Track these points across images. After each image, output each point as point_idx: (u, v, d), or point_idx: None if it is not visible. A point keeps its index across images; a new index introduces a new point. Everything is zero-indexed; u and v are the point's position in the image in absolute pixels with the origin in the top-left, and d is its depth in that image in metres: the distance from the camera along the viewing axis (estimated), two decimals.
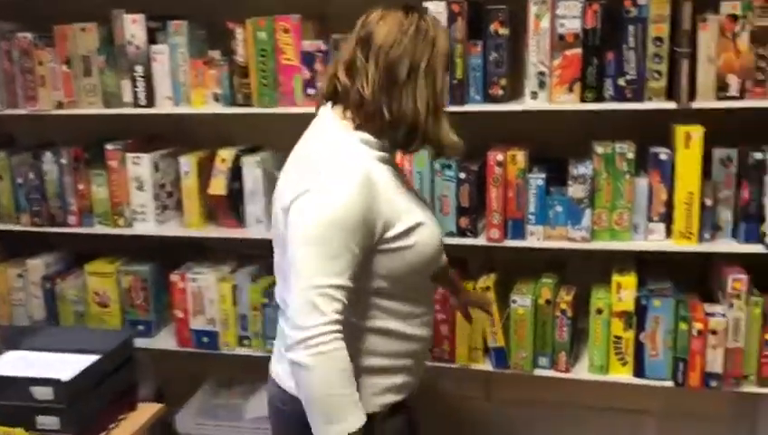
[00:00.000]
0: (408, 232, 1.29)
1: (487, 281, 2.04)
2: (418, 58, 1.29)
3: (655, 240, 1.94)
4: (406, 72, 1.28)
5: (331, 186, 1.23)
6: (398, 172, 1.41)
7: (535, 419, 2.41)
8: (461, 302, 1.84)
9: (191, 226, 2.26)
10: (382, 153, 1.33)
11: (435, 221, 1.42)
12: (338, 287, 1.19)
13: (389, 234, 1.26)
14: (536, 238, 2.00)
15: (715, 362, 1.91)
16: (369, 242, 1.25)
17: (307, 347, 1.18)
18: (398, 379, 1.38)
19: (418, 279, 1.37)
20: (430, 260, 1.36)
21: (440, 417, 2.43)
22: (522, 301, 2.02)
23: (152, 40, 2.17)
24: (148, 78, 2.17)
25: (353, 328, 1.29)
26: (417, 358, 1.42)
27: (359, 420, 1.23)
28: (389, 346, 1.35)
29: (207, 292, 2.26)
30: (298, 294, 1.20)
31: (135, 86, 2.18)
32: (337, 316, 1.19)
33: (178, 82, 2.17)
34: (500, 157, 1.97)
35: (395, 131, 1.33)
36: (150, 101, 2.19)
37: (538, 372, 2.07)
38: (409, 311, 1.35)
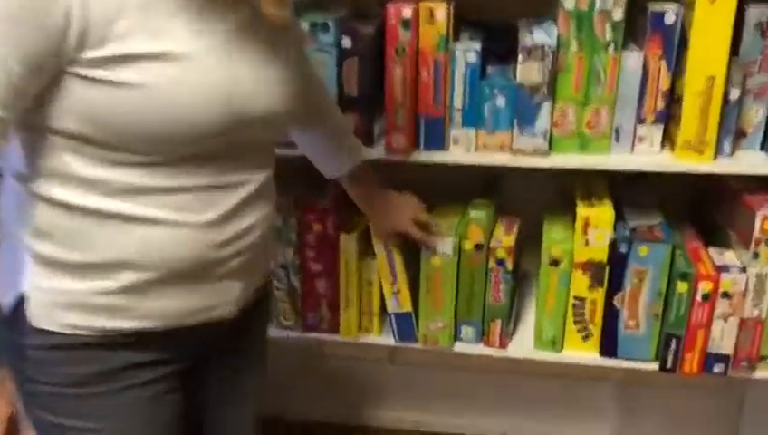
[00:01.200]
0: (127, 60, 0.85)
1: None
2: None
3: (647, 153, 1.25)
4: None
5: None
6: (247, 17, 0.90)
7: (453, 384, 1.81)
8: (380, 229, 1.35)
9: None
10: None
11: (250, 79, 0.90)
12: None
13: (91, 54, 0.85)
14: (464, 149, 1.29)
15: (725, 339, 1.28)
16: (50, 52, 0.85)
17: None
18: (101, 297, 0.93)
19: (164, 153, 0.89)
20: (186, 128, 0.87)
21: (327, 382, 1.81)
22: (440, 246, 1.32)
23: None
24: None
25: (26, 188, 0.94)
26: (162, 277, 0.93)
27: None
28: (89, 236, 0.92)
29: None
30: None
31: None
32: None
33: None
34: (407, 12, 1.20)
35: None
36: None
37: (460, 347, 1.41)
38: (139, 188, 0.90)
